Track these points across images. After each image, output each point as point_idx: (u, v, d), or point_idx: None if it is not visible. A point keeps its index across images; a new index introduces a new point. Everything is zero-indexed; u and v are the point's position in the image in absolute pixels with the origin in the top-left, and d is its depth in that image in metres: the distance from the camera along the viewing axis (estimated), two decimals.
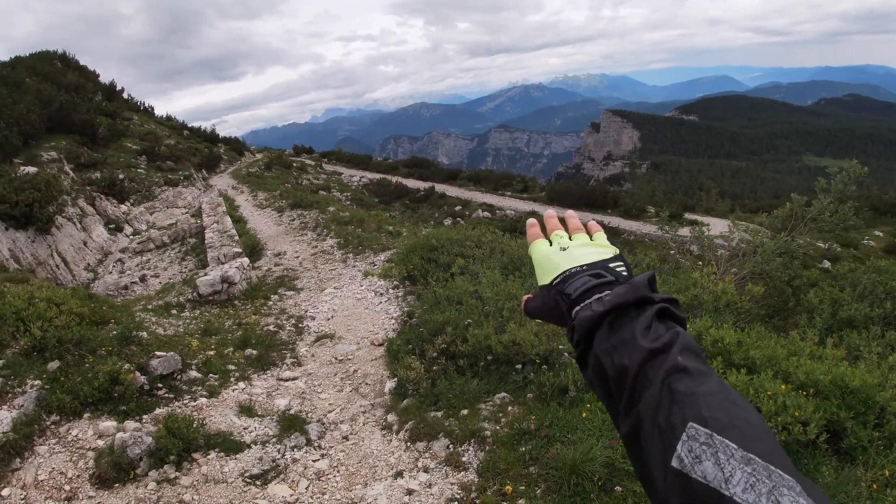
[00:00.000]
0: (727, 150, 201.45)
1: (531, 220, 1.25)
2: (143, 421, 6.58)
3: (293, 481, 5.90)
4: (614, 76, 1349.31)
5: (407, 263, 12.06)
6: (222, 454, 6.25)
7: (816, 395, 4.96)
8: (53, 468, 5.68)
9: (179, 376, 7.84)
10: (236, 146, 53.50)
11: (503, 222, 28.66)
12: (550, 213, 1.27)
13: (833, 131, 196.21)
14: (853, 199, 11.15)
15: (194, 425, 6.37)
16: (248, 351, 9.21)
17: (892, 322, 8.56)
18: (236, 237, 16.50)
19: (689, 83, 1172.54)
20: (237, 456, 6.25)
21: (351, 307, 11.24)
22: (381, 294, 11.59)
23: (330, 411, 7.53)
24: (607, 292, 1.00)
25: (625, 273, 1.07)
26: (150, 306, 11.22)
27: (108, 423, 6.30)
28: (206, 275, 12.23)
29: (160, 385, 7.46)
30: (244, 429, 6.89)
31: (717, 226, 22.59)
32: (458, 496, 5.26)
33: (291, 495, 5.62)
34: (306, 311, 11.28)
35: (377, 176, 46.76)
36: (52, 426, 6.29)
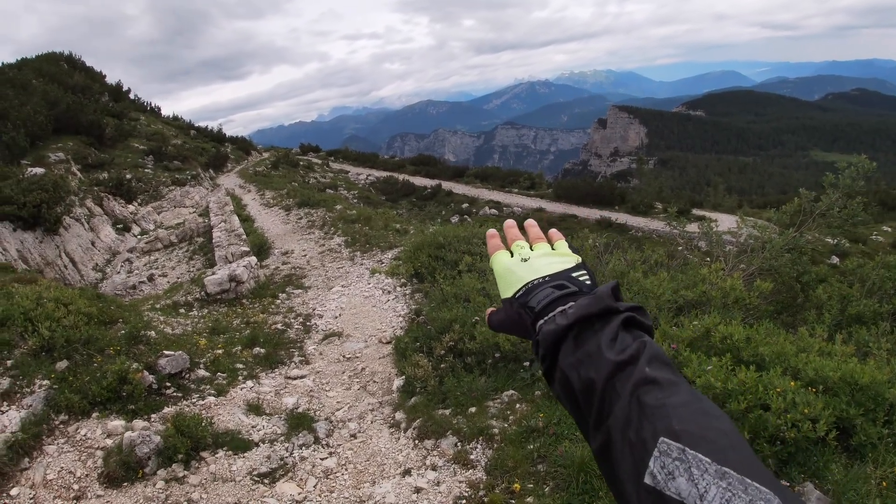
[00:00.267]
0: (734, 146, 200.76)
1: (491, 231, 1.23)
2: (152, 420, 6.59)
3: (301, 480, 5.90)
4: (621, 72, 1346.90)
5: (414, 261, 12.05)
6: (230, 453, 6.25)
7: (826, 392, 4.92)
8: (62, 467, 5.69)
9: (188, 375, 7.85)
10: (243, 145, 53.56)
11: (510, 219, 28.41)
12: (510, 223, 1.23)
13: (840, 126, 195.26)
14: (862, 194, 11.06)
15: (202, 424, 6.38)
16: (256, 349, 9.21)
17: None
18: (244, 236, 16.51)
19: (695, 79, 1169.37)
20: (245, 454, 6.26)
21: (359, 305, 11.24)
22: (389, 292, 11.58)
23: (338, 409, 7.52)
24: (570, 304, 0.97)
25: (588, 282, 1.04)
26: (158, 305, 11.24)
27: (116, 423, 6.32)
28: (213, 274, 12.24)
29: (168, 384, 7.46)
30: (252, 427, 6.89)
31: (725, 222, 22.48)
32: (467, 494, 5.25)
33: (300, 494, 5.62)
34: (314, 310, 11.28)
35: (384, 174, 46.71)
36: (61, 426, 6.31)
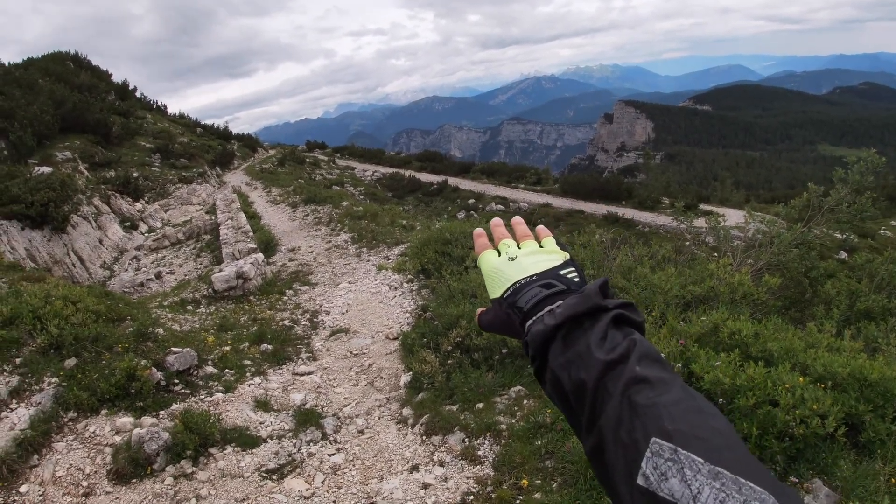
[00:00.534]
0: (741, 140, 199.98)
1: (478, 231, 1.22)
2: (160, 417, 6.62)
3: (309, 475, 5.91)
4: (627, 66, 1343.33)
5: (421, 257, 12.05)
6: (238, 449, 6.27)
7: (834, 387, 4.90)
8: (71, 464, 5.72)
9: (195, 372, 7.88)
10: (249, 143, 53.57)
11: (517, 215, 28.40)
12: (496, 221, 1.22)
13: (848, 121, 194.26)
14: (870, 189, 11.02)
15: (211, 420, 6.39)
16: (264, 346, 9.23)
17: None
18: (251, 233, 16.53)
19: (702, 73, 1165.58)
20: (253, 450, 6.28)
21: (365, 301, 11.24)
22: (396, 288, 11.59)
23: (345, 405, 7.53)
24: (558, 303, 0.96)
25: (577, 280, 1.03)
26: (165, 303, 11.27)
27: (124, 419, 6.34)
28: (221, 271, 12.27)
29: (176, 381, 7.49)
30: (260, 423, 6.91)
31: (733, 217, 22.43)
32: (474, 490, 5.25)
33: (307, 489, 5.63)
34: (321, 306, 11.29)
35: (390, 170, 46.71)
36: (70, 423, 6.33)
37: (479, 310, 1.16)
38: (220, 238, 16.60)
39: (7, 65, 34.47)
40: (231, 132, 53.06)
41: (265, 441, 6.52)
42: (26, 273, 10.85)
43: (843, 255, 20.47)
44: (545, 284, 1.02)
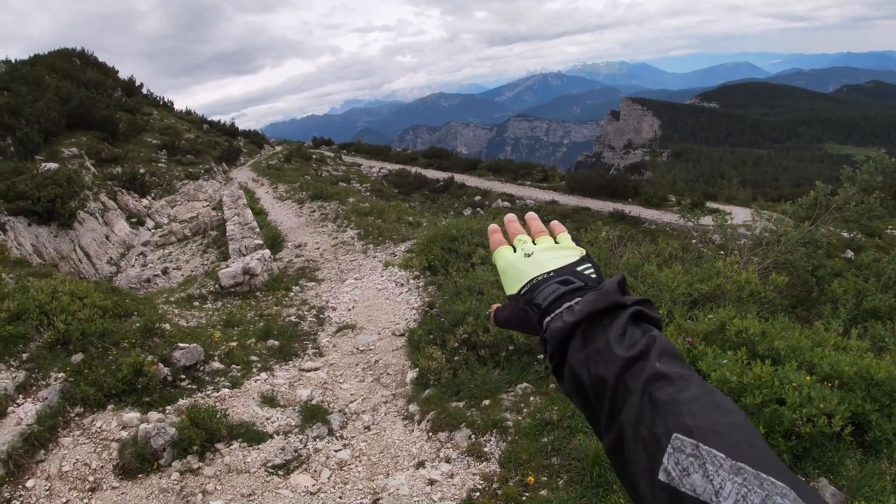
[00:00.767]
0: (748, 138, 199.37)
1: (492, 227, 1.21)
2: (167, 412, 6.63)
3: (315, 471, 5.91)
4: (634, 64, 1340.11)
5: (427, 254, 12.05)
6: (245, 444, 6.28)
7: (841, 386, 4.88)
8: (77, 459, 5.73)
9: (202, 367, 7.89)
10: (256, 139, 53.67)
11: (523, 212, 28.30)
12: (511, 217, 1.21)
13: (855, 119, 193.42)
14: (878, 188, 10.97)
15: (217, 416, 6.40)
16: (270, 342, 9.25)
17: None
18: (257, 229, 16.57)
19: (709, 70, 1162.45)
20: (260, 446, 6.28)
21: (372, 298, 11.25)
22: (402, 284, 11.59)
23: (352, 401, 7.54)
24: (577, 300, 0.95)
25: (594, 276, 1.02)
26: (172, 298, 11.30)
27: (131, 415, 6.35)
28: (227, 267, 12.29)
29: (183, 376, 7.50)
30: (267, 419, 6.91)
31: (740, 215, 22.40)
32: (480, 486, 5.25)
33: (314, 485, 5.63)
34: (327, 302, 11.30)
35: (396, 167, 46.73)
36: (76, 418, 6.35)
37: (495, 305, 1.14)
38: (227, 234, 16.62)
39: (13, 61, 34.57)
40: (237, 129, 53.17)
41: (271, 437, 6.52)
42: (33, 269, 10.89)
43: (850, 253, 20.40)
44: (563, 281, 1.01)
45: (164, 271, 16.56)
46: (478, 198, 34.58)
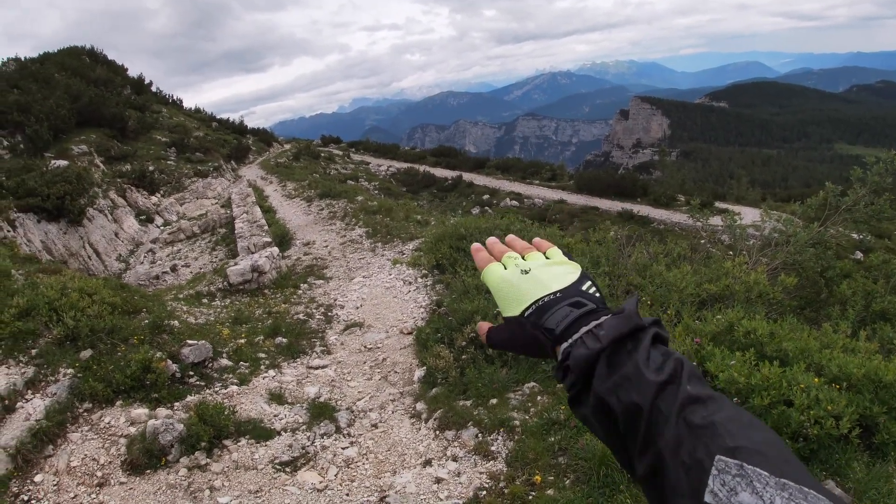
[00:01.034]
0: (758, 138, 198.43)
1: (476, 245, 1.17)
2: (175, 408, 6.65)
3: (322, 468, 5.92)
4: (643, 62, 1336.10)
5: (435, 252, 12.04)
6: (252, 441, 6.29)
7: (849, 388, 4.86)
8: (86, 455, 5.76)
9: (210, 364, 7.91)
10: (264, 137, 53.78)
11: (531, 211, 28.52)
12: (493, 239, 1.18)
13: (865, 119, 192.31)
14: (889, 190, 10.93)
15: (225, 413, 6.42)
16: (278, 339, 9.26)
17: None
18: (266, 227, 16.59)
19: (718, 69, 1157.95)
20: (267, 443, 6.30)
21: (380, 296, 11.25)
22: (410, 283, 11.59)
23: (359, 399, 7.54)
24: (594, 324, 0.92)
25: (598, 295, 1.00)
26: (181, 295, 11.33)
27: (139, 411, 6.38)
28: (236, 264, 12.32)
29: (191, 373, 7.52)
30: (274, 416, 6.93)
31: (749, 215, 22.31)
32: (487, 485, 5.25)
33: (321, 482, 5.64)
34: (335, 300, 11.31)
35: (405, 165, 46.78)
36: (85, 414, 6.38)
37: (485, 325, 1.11)
38: (236, 232, 16.66)
39: (23, 59, 34.75)
40: (246, 126, 53.30)
41: (279, 434, 6.54)
42: (42, 265, 10.94)
43: (859, 255, 20.31)
44: (574, 304, 0.97)
45: (173, 268, 16.62)
46: (486, 197, 34.59)
